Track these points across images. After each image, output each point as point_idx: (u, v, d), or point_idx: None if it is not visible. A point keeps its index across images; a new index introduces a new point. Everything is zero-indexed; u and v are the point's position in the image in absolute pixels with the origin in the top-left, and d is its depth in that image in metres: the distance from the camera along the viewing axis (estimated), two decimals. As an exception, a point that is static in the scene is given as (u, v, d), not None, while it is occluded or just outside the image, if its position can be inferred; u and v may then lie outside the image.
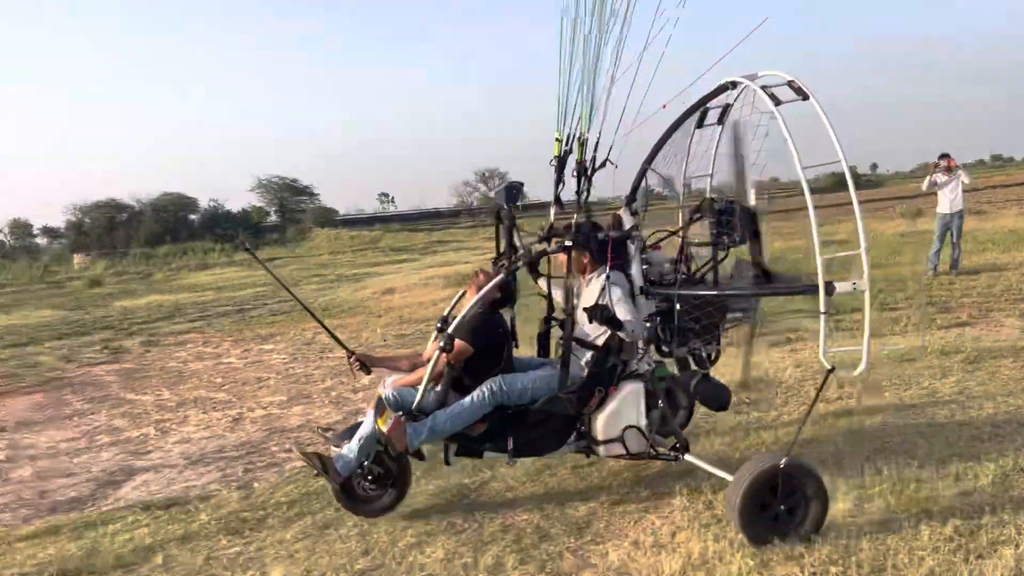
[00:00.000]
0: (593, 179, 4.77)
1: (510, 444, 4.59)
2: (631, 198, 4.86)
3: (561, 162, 4.96)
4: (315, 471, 4.66)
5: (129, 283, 26.19)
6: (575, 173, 4.81)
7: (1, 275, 33.33)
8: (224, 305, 18.01)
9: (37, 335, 14.94)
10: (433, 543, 4.54)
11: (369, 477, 4.76)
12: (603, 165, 4.77)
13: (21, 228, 58.44)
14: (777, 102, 4.10)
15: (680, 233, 4.90)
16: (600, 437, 4.57)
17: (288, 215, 59.16)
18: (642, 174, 4.90)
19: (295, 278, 23.11)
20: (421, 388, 4.48)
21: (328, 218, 57.51)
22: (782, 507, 4.04)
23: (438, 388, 4.57)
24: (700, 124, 4.97)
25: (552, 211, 5.08)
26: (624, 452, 4.58)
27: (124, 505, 5.58)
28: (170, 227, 52.04)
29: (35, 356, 12.50)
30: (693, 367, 5.09)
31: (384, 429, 4.46)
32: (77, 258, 42.60)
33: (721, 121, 4.93)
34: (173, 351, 12.20)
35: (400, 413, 4.47)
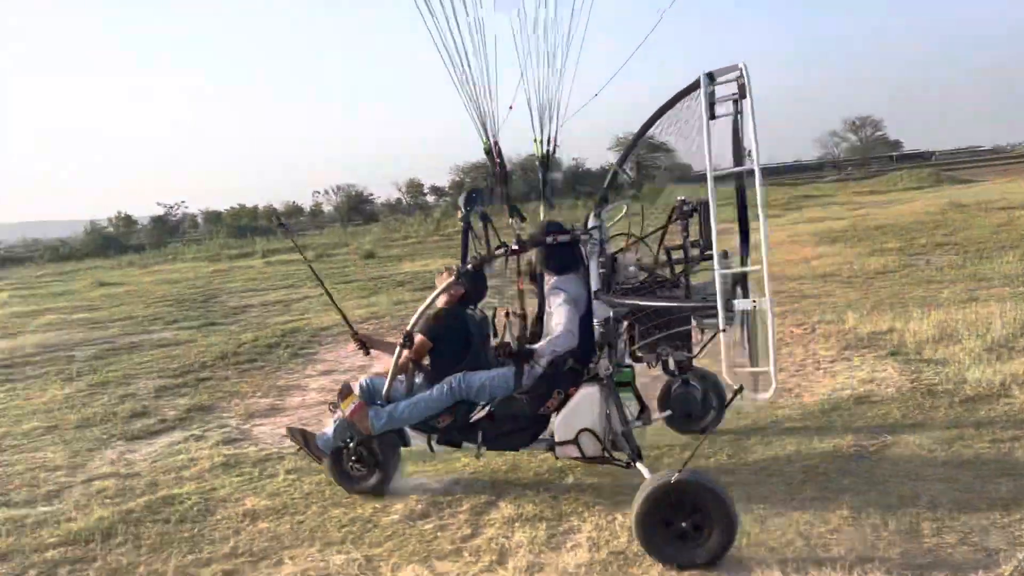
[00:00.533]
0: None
1: (479, 437, 4.69)
2: (602, 200, 4.71)
3: (544, 162, 5.10)
4: (298, 447, 5.12)
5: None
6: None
7: (402, 229, 38.53)
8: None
9: (440, 279, 17.00)
10: (836, 501, 4.44)
11: (354, 458, 5.03)
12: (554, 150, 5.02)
13: (415, 187, 66.89)
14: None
15: (650, 236, 4.78)
16: (557, 438, 4.54)
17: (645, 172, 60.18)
18: (613, 176, 4.74)
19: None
20: (388, 378, 4.82)
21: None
22: (684, 524, 3.88)
23: (401, 378, 4.87)
24: (713, 116, 4.22)
25: (542, 210, 5.17)
26: (579, 455, 4.52)
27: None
28: (535, 185, 55.77)
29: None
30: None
31: (346, 413, 4.81)
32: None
33: (740, 111, 4.27)
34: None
35: (357, 396, 4.83)
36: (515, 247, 4.71)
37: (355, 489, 5.14)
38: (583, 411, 4.46)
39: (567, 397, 4.53)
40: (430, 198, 68.02)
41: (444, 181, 65.07)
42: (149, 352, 11.40)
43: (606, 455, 4.48)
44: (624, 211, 5.08)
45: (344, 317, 5.73)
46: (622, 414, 4.56)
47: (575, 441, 4.47)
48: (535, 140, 5.05)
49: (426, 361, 4.98)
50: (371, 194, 65.40)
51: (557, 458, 4.86)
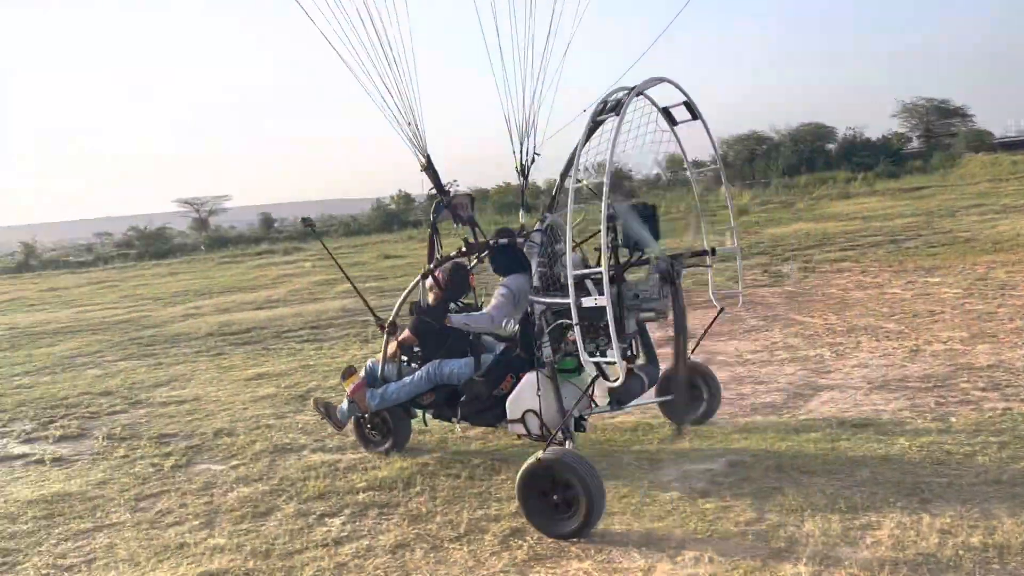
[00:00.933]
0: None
1: (458, 413, 5.30)
2: (550, 206, 5.23)
3: (524, 171, 5.61)
4: (321, 416, 6.09)
5: (774, 212, 27.34)
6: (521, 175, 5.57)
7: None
8: (874, 235, 17.52)
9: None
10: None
11: (369, 426, 5.95)
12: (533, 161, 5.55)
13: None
14: (673, 122, 5.04)
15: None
16: (507, 417, 4.98)
17: (934, 140, 54.19)
18: (560, 184, 5.22)
19: (950, 208, 21.14)
20: (381, 362, 5.70)
21: (983, 141, 50.96)
22: (555, 497, 4.26)
23: (392, 362, 5.68)
24: (674, 123, 5.12)
25: (520, 215, 5.66)
26: (526, 433, 4.91)
27: (819, 417, 5.87)
28: (806, 157, 52.41)
29: (704, 276, 13.91)
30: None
31: (348, 391, 5.69)
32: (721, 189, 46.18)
33: (696, 117, 5.07)
34: (831, 278, 12.36)
35: (363, 378, 5.69)
36: (464, 250, 5.47)
37: (373, 450, 5.97)
38: (526, 394, 4.83)
39: (519, 380, 4.95)
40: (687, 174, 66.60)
41: (706, 155, 63.30)
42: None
43: (547, 433, 4.73)
44: (582, 217, 4.87)
45: (367, 304, 6.39)
46: (567, 398, 4.81)
47: (521, 420, 4.88)
48: (513, 152, 5.48)
49: (417, 348, 5.61)
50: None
51: (509, 434, 5.33)
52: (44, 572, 4.40)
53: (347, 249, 33.80)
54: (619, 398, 4.96)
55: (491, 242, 5.25)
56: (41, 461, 6.58)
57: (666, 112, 5.08)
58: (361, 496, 5.11)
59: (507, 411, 4.96)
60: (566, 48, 5.33)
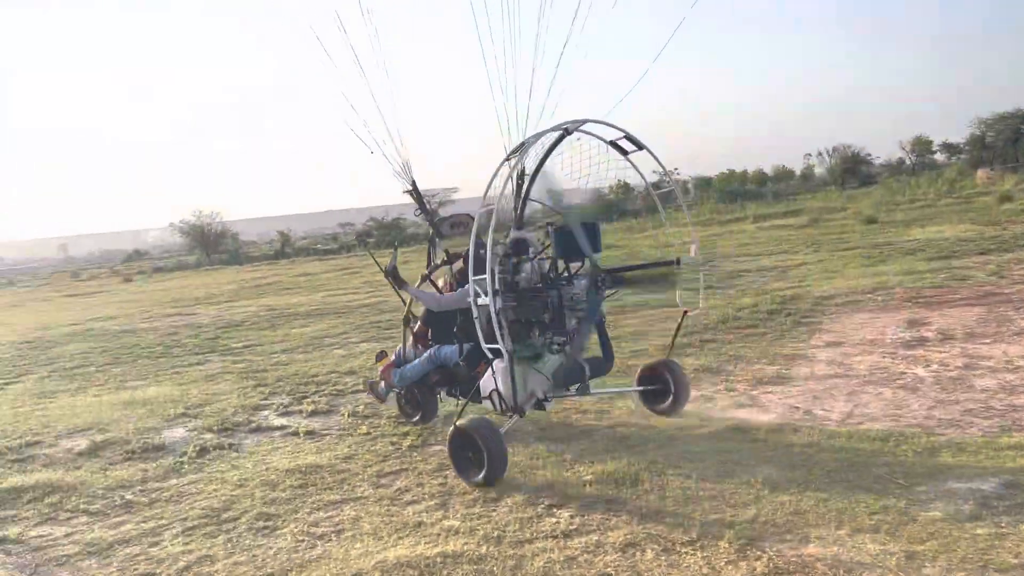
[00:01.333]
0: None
1: (456, 391, 6.51)
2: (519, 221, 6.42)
3: (519, 189, 6.44)
4: (367, 392, 7.62)
5: (1043, 196, 24.11)
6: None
7: (908, 191, 34.93)
8: None
9: (958, 248, 14.98)
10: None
11: (404, 400, 7.06)
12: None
13: (922, 145, 60.10)
14: (624, 152, 6.15)
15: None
16: (481, 395, 5.93)
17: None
18: (523, 206, 6.46)
19: None
20: (403, 347, 7.00)
21: None
22: (470, 455, 5.35)
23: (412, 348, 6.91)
24: (625, 153, 6.13)
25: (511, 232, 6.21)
26: (494, 408, 5.84)
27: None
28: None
29: (962, 270, 12.52)
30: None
31: (379, 369, 7.02)
32: (980, 173, 41.50)
33: (640, 147, 6.08)
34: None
35: (391, 359, 6.93)
36: (447, 258, 6.86)
37: (409, 421, 7.02)
38: (493, 377, 5.71)
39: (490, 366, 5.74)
40: (939, 156, 60.64)
41: (960, 136, 57.22)
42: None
43: (506, 410, 5.68)
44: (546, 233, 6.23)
45: (375, 260, 7.86)
46: (527, 381, 5.69)
47: (490, 398, 5.80)
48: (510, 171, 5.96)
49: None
50: (869, 154, 60.74)
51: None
52: (299, 538, 4.76)
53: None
54: (560, 382, 5.86)
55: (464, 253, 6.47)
56: (296, 433, 7.20)
57: (615, 145, 6.08)
58: (588, 489, 5.07)
59: (481, 390, 5.92)
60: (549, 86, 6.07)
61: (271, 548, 4.65)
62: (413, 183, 7.01)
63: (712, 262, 18.08)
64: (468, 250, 6.09)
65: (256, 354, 12.11)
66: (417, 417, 6.98)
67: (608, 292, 5.84)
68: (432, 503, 5.12)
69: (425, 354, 6.61)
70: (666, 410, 6.50)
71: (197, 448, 6.87)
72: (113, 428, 7.95)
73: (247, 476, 6.01)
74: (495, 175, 5.70)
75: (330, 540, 4.69)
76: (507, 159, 5.74)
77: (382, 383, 7.06)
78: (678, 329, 6.69)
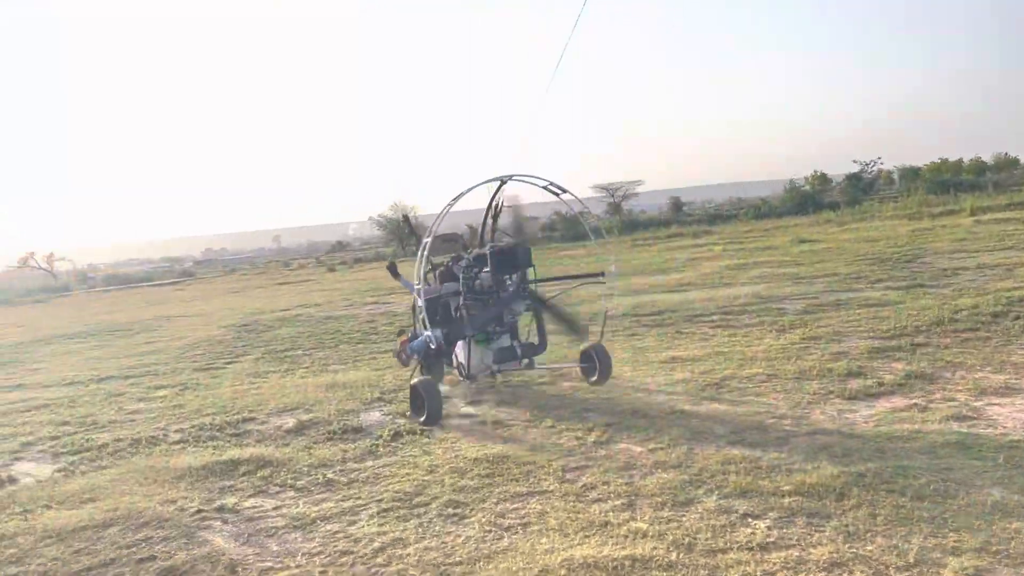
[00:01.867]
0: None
1: (443, 363, 8.65)
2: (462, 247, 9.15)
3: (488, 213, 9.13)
4: (395, 356, 9.22)
5: None
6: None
7: None
8: None
9: None
10: None
11: (420, 366, 8.44)
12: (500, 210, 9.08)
13: None
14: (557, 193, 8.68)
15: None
16: (452, 365, 8.53)
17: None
18: (482, 232, 9.12)
19: None
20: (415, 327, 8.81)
21: None
22: (419, 403, 7.53)
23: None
24: (558, 194, 8.71)
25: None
26: (460, 376, 8.48)
27: None
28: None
29: None
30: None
31: (399, 343, 8.91)
32: None
33: (565, 191, 8.71)
34: None
35: (406, 337, 8.85)
36: (431, 267, 8.61)
37: (413, 419, 7.68)
38: (458, 352, 8.34)
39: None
40: None
41: None
42: (855, 311, 11.24)
43: (465, 376, 8.30)
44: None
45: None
46: (477, 357, 8.27)
47: (457, 367, 8.39)
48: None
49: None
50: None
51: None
52: (487, 528, 4.80)
53: (757, 233, 32.81)
54: (501, 360, 8.39)
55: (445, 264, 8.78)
56: (483, 422, 7.32)
57: (547, 187, 8.52)
58: (787, 500, 4.74)
59: (452, 361, 8.51)
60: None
61: (460, 536, 4.72)
62: (406, 217, 12.58)
63: (922, 259, 16.63)
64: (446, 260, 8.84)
65: (445, 343, 12.49)
66: (421, 419, 7.55)
67: (525, 302, 8.46)
68: (618, 503, 5.00)
69: (423, 334, 8.06)
70: (595, 382, 8.39)
71: (391, 432, 7.16)
72: (317, 409, 8.47)
73: (437, 462, 6.17)
74: (442, 213, 8.16)
75: (516, 532, 4.69)
76: (451, 203, 8.09)
77: (403, 353, 8.84)
78: (604, 323, 9.09)
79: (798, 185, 51.88)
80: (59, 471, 7.05)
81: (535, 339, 8.73)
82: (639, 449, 6.05)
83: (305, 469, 6.37)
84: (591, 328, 9.27)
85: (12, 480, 6.90)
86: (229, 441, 7.52)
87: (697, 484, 5.17)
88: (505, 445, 6.47)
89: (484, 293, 8.25)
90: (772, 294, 13.88)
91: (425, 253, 7.88)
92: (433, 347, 7.92)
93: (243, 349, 14.35)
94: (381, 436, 7.08)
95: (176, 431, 8.14)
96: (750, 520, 4.54)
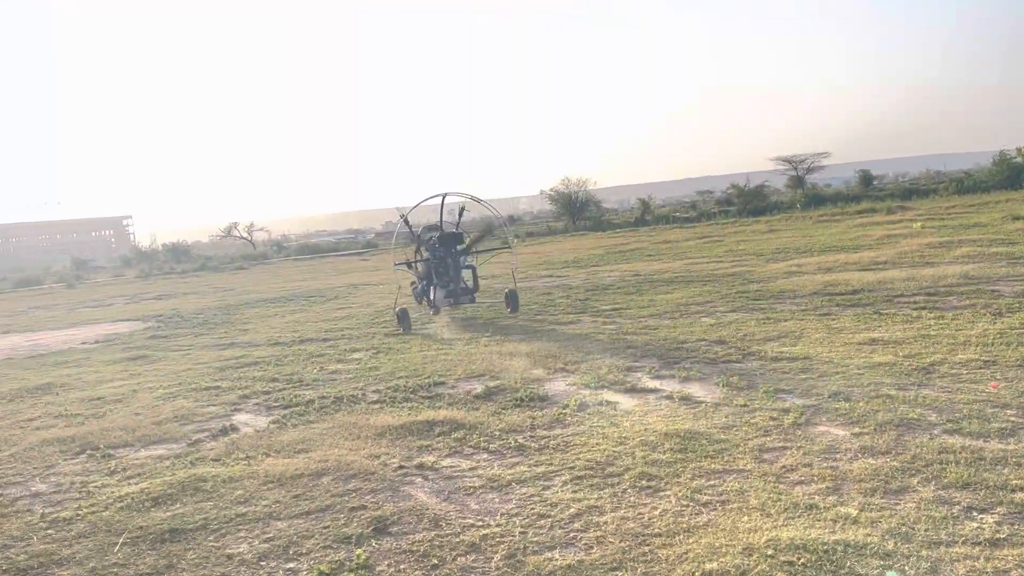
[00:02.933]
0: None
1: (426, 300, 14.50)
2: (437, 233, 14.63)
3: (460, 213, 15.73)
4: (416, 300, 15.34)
5: None
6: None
7: None
8: None
9: None
10: None
11: (422, 302, 14.74)
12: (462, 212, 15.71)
13: None
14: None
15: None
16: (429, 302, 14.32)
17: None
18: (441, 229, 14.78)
19: None
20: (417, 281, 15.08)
21: None
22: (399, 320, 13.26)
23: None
24: (478, 201, 15.63)
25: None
26: (429, 308, 14.35)
27: None
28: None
29: None
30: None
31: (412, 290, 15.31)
32: None
33: (480, 200, 15.73)
34: None
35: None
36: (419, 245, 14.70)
37: (428, 311, 14.38)
38: (430, 294, 14.09)
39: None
40: None
41: None
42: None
43: (432, 308, 14.27)
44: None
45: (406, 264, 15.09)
46: (437, 296, 13.95)
47: (430, 305, 14.27)
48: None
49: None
50: None
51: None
52: (683, 502, 4.74)
53: (961, 209, 30.20)
54: (449, 298, 13.96)
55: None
56: (670, 398, 7.22)
57: (474, 198, 15.45)
58: (1019, 496, 4.34)
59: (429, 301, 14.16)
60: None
61: (656, 508, 4.69)
62: (404, 218, 14.77)
63: None
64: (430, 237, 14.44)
65: (624, 317, 12.44)
66: (432, 310, 14.52)
67: (464, 264, 14.24)
68: (823, 486, 4.78)
69: (420, 283, 14.53)
70: (510, 313, 13.96)
71: (578, 402, 7.22)
72: (502, 376, 8.69)
73: (626, 435, 6.15)
74: (400, 220, 14.78)
75: (715, 509, 4.60)
76: (403, 216, 14.64)
77: (417, 298, 14.96)
78: (514, 274, 16.44)
79: (1009, 156, 46.95)
80: (273, 423, 7.66)
81: (476, 288, 14.64)
82: (842, 433, 5.75)
83: (497, 433, 6.56)
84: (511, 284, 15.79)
85: (234, 428, 7.58)
86: (423, 403, 7.87)
87: (911, 472, 4.84)
88: (696, 422, 6.35)
89: (440, 260, 14.09)
90: (983, 275, 12.72)
91: (421, 239, 14.85)
92: (419, 289, 14.88)
93: (426, 317, 14.97)
94: (567, 406, 7.16)
95: (373, 391, 8.63)
96: (975, 514, 4.20)
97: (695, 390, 7.44)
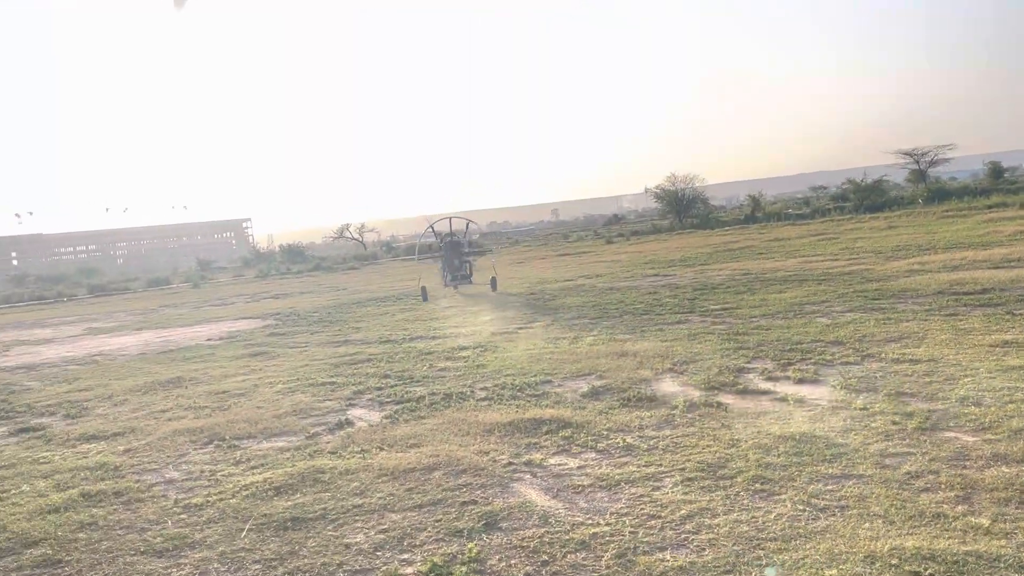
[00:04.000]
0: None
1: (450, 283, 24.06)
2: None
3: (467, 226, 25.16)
4: (444, 284, 24.29)
5: None
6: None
7: None
8: None
9: None
10: None
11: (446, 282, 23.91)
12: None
13: None
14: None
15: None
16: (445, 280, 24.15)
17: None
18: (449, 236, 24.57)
19: None
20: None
21: None
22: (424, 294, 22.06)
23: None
24: (471, 222, 25.30)
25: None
26: (444, 284, 23.95)
27: None
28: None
29: None
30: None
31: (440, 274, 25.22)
32: None
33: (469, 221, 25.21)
34: None
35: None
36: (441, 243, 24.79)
37: (448, 285, 23.76)
38: (443, 276, 24.07)
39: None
40: None
41: None
42: None
43: (445, 284, 23.77)
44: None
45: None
46: (448, 278, 23.50)
47: (445, 284, 23.83)
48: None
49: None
50: None
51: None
52: (799, 507, 4.61)
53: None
54: (454, 281, 23.28)
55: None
56: (784, 400, 7.01)
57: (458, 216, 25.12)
58: None
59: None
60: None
61: (771, 512, 4.57)
62: (431, 227, 25.10)
63: None
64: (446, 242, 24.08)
65: (735, 317, 12.16)
66: (447, 287, 23.55)
67: (466, 259, 23.76)
68: (951, 494, 4.54)
69: (440, 262, 23.90)
70: (491, 292, 21.59)
71: (687, 403, 7.12)
72: (608, 376, 8.66)
73: (739, 437, 6.02)
74: (426, 229, 26.03)
75: (833, 515, 4.45)
76: (431, 226, 25.26)
77: (444, 280, 23.54)
78: (494, 269, 24.49)
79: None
80: (386, 418, 7.90)
81: (471, 275, 23.38)
82: (971, 439, 5.45)
83: (604, 432, 6.54)
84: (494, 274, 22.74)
85: (349, 423, 7.85)
86: (530, 401, 7.94)
87: (1050, 485, 4.54)
88: (812, 425, 6.15)
89: (448, 258, 23.09)
90: None
91: (440, 243, 24.72)
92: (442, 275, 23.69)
93: (532, 316, 15.06)
94: (677, 406, 7.07)
95: (481, 388, 8.76)
96: None
97: (810, 392, 7.20)
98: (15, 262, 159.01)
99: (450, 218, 24.79)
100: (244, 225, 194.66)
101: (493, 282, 22.65)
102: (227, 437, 7.68)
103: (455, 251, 23.56)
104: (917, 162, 59.96)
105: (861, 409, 6.43)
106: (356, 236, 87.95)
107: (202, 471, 6.67)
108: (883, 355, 8.32)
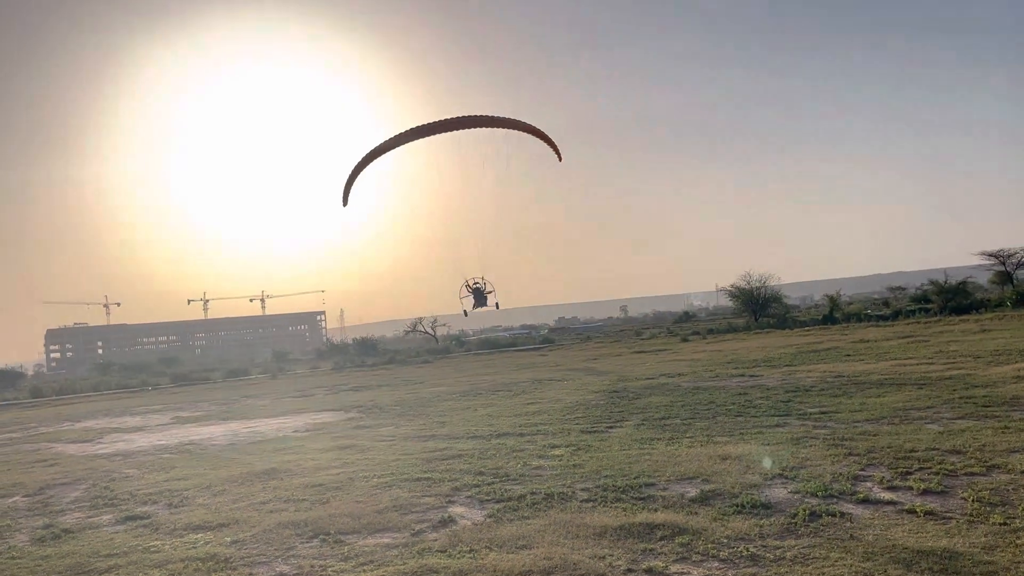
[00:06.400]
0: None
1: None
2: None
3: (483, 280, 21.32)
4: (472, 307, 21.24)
5: None
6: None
7: None
8: None
9: None
10: None
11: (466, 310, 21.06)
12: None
13: None
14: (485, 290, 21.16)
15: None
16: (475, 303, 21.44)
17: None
18: (483, 287, 20.90)
19: None
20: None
21: None
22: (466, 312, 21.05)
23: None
24: (487, 282, 21.58)
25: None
26: (470, 308, 20.88)
27: None
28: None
29: None
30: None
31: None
32: None
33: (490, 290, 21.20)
34: None
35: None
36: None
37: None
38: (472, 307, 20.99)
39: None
40: None
41: None
42: None
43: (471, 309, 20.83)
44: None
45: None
46: (475, 302, 20.77)
47: (476, 303, 20.86)
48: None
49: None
50: None
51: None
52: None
53: None
54: (476, 307, 20.59)
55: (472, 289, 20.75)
56: (912, 512, 6.67)
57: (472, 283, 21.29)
58: None
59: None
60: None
61: (928, 635, 4.29)
62: (466, 284, 20.78)
63: None
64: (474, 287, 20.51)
65: (836, 421, 11.74)
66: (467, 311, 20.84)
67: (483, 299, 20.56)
68: None
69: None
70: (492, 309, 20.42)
71: (807, 511, 6.83)
72: (715, 480, 8.40)
73: (872, 550, 5.73)
74: (463, 285, 20.61)
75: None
76: (467, 281, 20.72)
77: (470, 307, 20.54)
78: (496, 305, 20.86)
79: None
80: (489, 516, 7.78)
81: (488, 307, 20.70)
82: None
83: (724, 540, 6.31)
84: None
85: (452, 520, 7.76)
86: (635, 504, 7.73)
87: None
88: (951, 539, 5.81)
89: (475, 296, 20.42)
90: None
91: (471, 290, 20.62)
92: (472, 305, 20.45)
93: (620, 415, 14.83)
94: (796, 514, 6.78)
95: (582, 489, 8.59)
96: None
97: (938, 504, 6.84)
98: (100, 351, 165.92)
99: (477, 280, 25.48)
100: (318, 318, 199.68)
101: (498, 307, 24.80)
102: (331, 531, 7.67)
103: (478, 294, 25.70)
104: (1003, 264, 58.04)
105: (1001, 524, 6.07)
106: (428, 330, 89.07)
107: (312, 565, 6.65)
108: (1010, 466, 7.89)
